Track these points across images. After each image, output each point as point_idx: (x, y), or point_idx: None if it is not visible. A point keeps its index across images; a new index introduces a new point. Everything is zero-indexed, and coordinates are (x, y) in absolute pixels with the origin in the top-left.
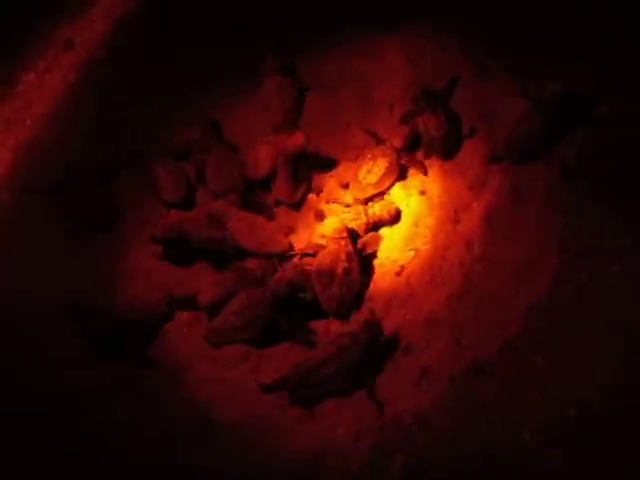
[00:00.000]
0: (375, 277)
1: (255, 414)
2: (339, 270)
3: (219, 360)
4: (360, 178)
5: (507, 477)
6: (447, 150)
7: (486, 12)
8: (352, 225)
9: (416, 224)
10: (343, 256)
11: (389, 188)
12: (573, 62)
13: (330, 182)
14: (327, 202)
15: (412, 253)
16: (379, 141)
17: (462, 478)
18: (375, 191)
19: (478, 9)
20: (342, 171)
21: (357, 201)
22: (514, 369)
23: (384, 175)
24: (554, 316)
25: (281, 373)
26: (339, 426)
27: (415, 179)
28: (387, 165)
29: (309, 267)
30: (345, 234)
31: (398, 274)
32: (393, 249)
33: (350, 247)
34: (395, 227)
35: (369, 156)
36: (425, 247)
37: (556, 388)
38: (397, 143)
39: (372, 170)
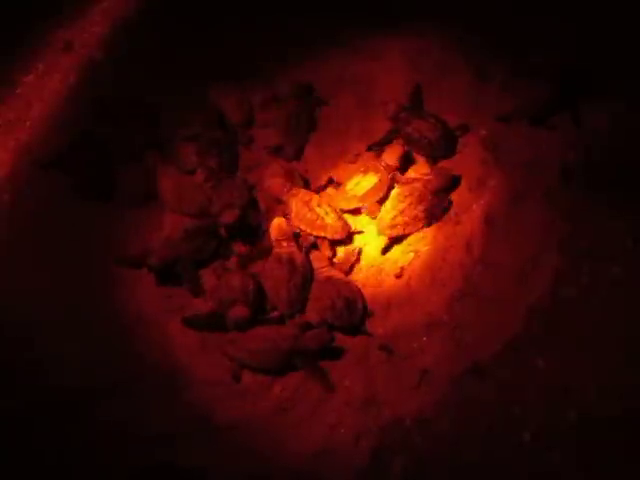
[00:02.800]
0: (375, 279)
1: (256, 415)
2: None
3: (220, 360)
4: (347, 188)
5: (507, 479)
6: (449, 148)
7: (486, 12)
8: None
9: None
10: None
11: (381, 201)
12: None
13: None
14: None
15: (412, 255)
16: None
17: None
18: (359, 204)
19: (478, 9)
20: (340, 172)
21: (341, 211)
22: (514, 371)
23: (370, 190)
24: (555, 318)
25: None
26: (340, 427)
27: None
28: (376, 181)
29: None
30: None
31: (398, 276)
32: (393, 250)
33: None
34: None
35: (362, 168)
36: (425, 248)
37: (557, 390)
38: (391, 161)
39: (360, 183)
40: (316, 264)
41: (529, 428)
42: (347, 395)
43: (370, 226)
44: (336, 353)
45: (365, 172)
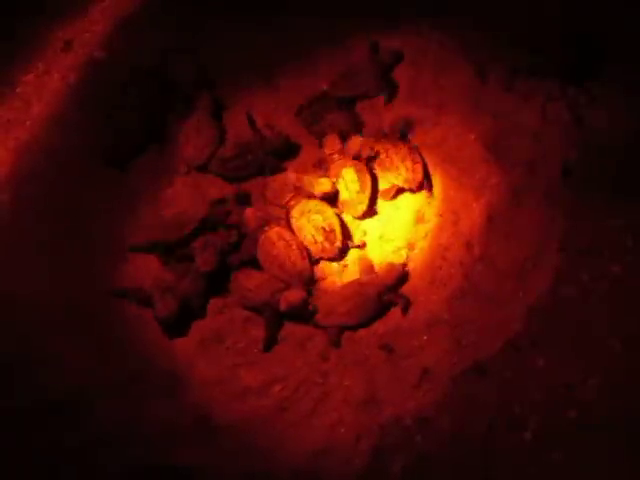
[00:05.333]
0: None
1: (256, 414)
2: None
3: (220, 360)
4: (346, 197)
5: (508, 478)
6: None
7: (485, 10)
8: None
9: (415, 224)
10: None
11: (375, 190)
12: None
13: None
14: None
15: (404, 254)
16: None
17: (463, 479)
18: (366, 197)
19: (477, 7)
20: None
21: (360, 218)
22: (515, 369)
23: (360, 181)
24: (555, 316)
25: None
26: (340, 427)
27: None
28: (356, 171)
29: None
30: None
31: None
32: (391, 250)
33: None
34: (394, 227)
35: (333, 173)
36: (415, 251)
37: (557, 389)
38: (356, 149)
39: (348, 185)
40: (287, 195)
41: (530, 427)
42: (347, 394)
43: (371, 229)
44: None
45: (339, 176)
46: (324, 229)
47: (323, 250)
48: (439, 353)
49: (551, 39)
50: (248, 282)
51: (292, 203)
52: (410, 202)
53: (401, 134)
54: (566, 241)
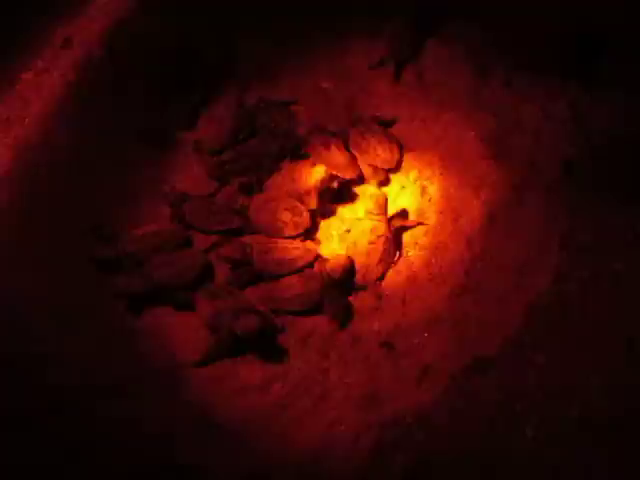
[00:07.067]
0: None
1: (256, 413)
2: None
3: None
4: (340, 162)
5: (508, 476)
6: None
7: (486, 11)
8: None
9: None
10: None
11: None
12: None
13: None
14: None
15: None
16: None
17: (463, 477)
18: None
19: (477, 8)
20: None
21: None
22: (515, 367)
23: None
24: (556, 314)
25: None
26: (340, 424)
27: (413, 177)
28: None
29: None
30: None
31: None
32: None
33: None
34: None
35: (316, 149)
36: (414, 252)
37: (558, 387)
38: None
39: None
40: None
41: (530, 425)
42: (347, 392)
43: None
44: None
45: (327, 143)
46: (286, 209)
47: (296, 226)
48: (439, 350)
49: (551, 39)
50: (287, 292)
51: (246, 203)
52: (410, 200)
53: (380, 124)
54: (567, 238)
